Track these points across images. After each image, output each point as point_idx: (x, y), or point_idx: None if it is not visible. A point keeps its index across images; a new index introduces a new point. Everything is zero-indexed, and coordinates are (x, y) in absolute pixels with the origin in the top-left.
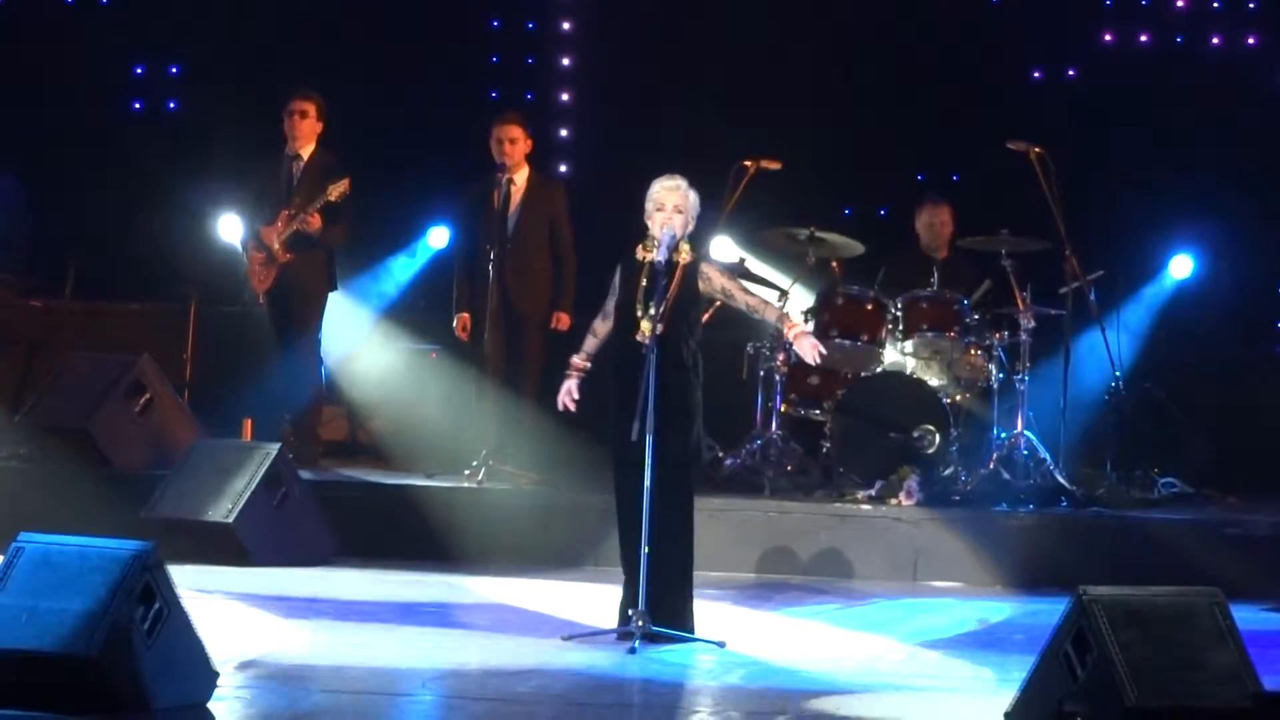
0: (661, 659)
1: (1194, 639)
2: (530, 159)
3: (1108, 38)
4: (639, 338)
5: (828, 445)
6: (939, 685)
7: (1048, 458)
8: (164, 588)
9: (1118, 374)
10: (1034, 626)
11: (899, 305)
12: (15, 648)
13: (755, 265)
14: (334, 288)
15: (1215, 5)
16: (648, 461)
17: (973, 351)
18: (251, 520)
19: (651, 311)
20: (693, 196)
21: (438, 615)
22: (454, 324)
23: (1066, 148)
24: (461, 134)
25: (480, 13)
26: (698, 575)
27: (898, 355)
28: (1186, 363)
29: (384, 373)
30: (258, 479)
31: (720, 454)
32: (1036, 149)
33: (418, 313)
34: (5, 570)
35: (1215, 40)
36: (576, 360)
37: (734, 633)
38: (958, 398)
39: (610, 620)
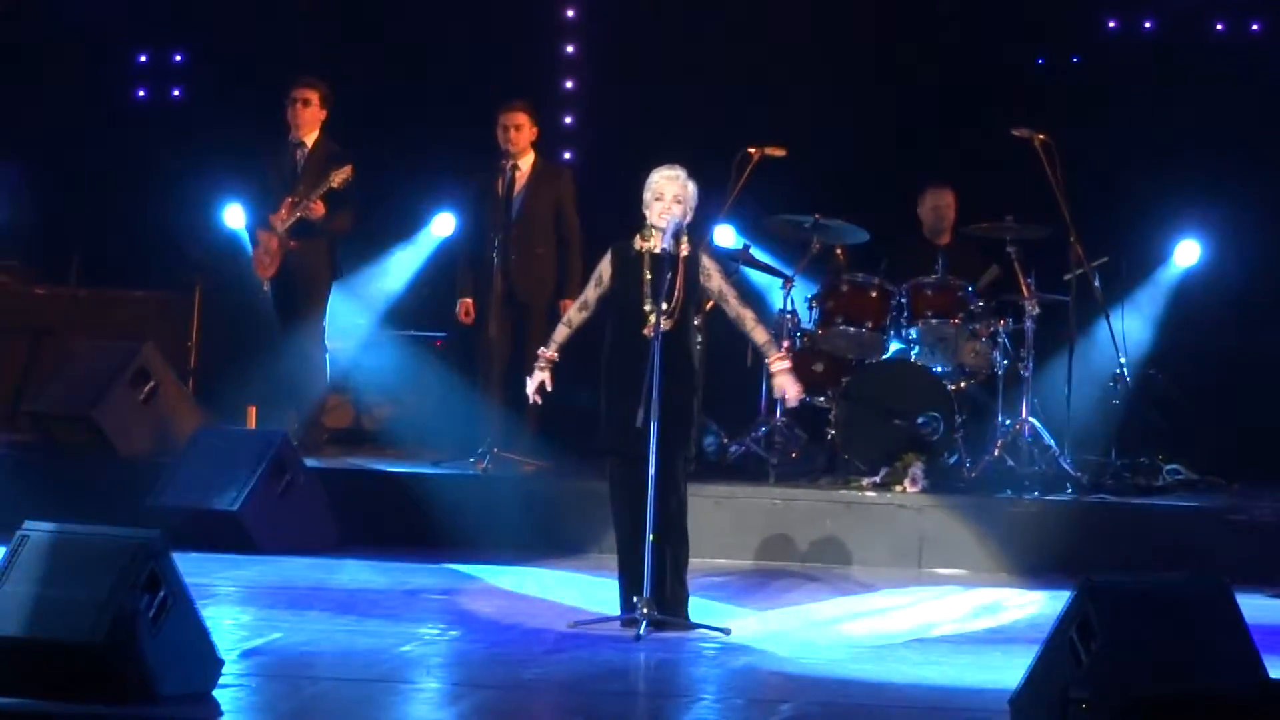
0: (666, 646)
1: (1198, 626)
2: (536, 146)
3: (1112, 24)
4: (648, 331)
5: (832, 432)
6: (944, 672)
7: (1052, 444)
8: (169, 576)
9: (1122, 360)
10: (1038, 613)
11: (903, 292)
12: (21, 635)
13: (759, 252)
14: (338, 275)
15: None
16: (652, 452)
17: (977, 338)
18: (256, 508)
19: (662, 305)
20: (691, 187)
21: (442, 603)
22: (457, 309)
23: (1071, 134)
24: (466, 121)
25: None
26: (704, 563)
27: (902, 342)
28: (1192, 349)
29: (389, 360)
30: (262, 467)
31: (725, 441)
32: (1041, 135)
33: (423, 300)
34: (10, 558)
35: (1219, 27)
36: (547, 352)
37: (738, 620)
38: (962, 384)
39: (615, 608)
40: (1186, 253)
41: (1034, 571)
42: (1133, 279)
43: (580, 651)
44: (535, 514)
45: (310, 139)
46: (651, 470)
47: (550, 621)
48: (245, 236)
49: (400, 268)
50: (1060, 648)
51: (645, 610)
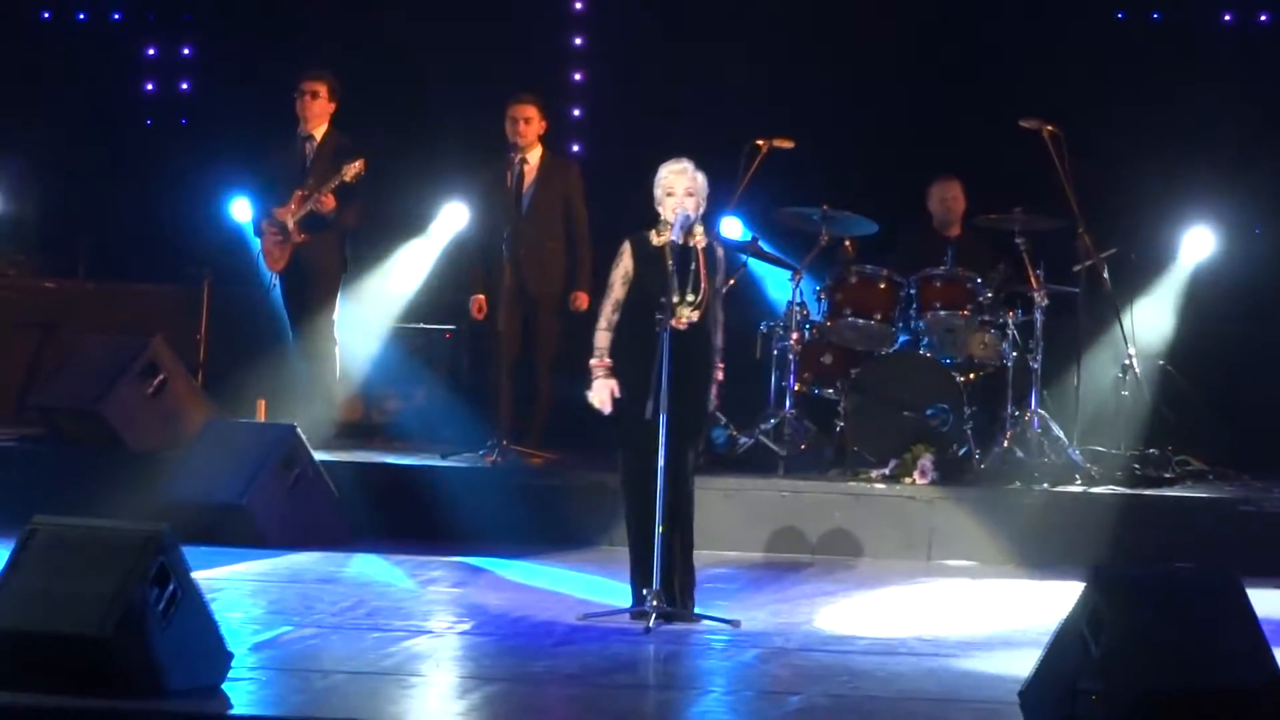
0: (675, 639)
1: (1208, 618)
2: (545, 139)
3: (1120, 15)
4: (677, 324)
5: (841, 424)
6: (953, 664)
7: (1061, 436)
8: (178, 570)
9: (1131, 352)
10: (1048, 606)
11: (912, 284)
12: (30, 629)
13: (768, 244)
14: (347, 268)
15: None
16: (662, 444)
17: (986, 330)
18: (265, 502)
19: (690, 298)
20: (701, 178)
21: (452, 596)
22: (470, 304)
23: (1080, 125)
24: (474, 114)
25: None
26: (713, 555)
27: (911, 334)
28: (1201, 340)
29: (398, 353)
30: (272, 460)
31: (734, 433)
32: (1049, 127)
33: (432, 293)
34: (19, 552)
35: (1227, 18)
36: (603, 361)
37: (748, 612)
38: (971, 376)
39: (625, 600)
40: (1197, 244)
41: (1043, 563)
42: (1142, 270)
43: (590, 644)
44: (544, 507)
45: (319, 132)
46: (660, 462)
47: (559, 614)
48: (254, 230)
49: (410, 261)
50: (1070, 640)
51: (654, 603)
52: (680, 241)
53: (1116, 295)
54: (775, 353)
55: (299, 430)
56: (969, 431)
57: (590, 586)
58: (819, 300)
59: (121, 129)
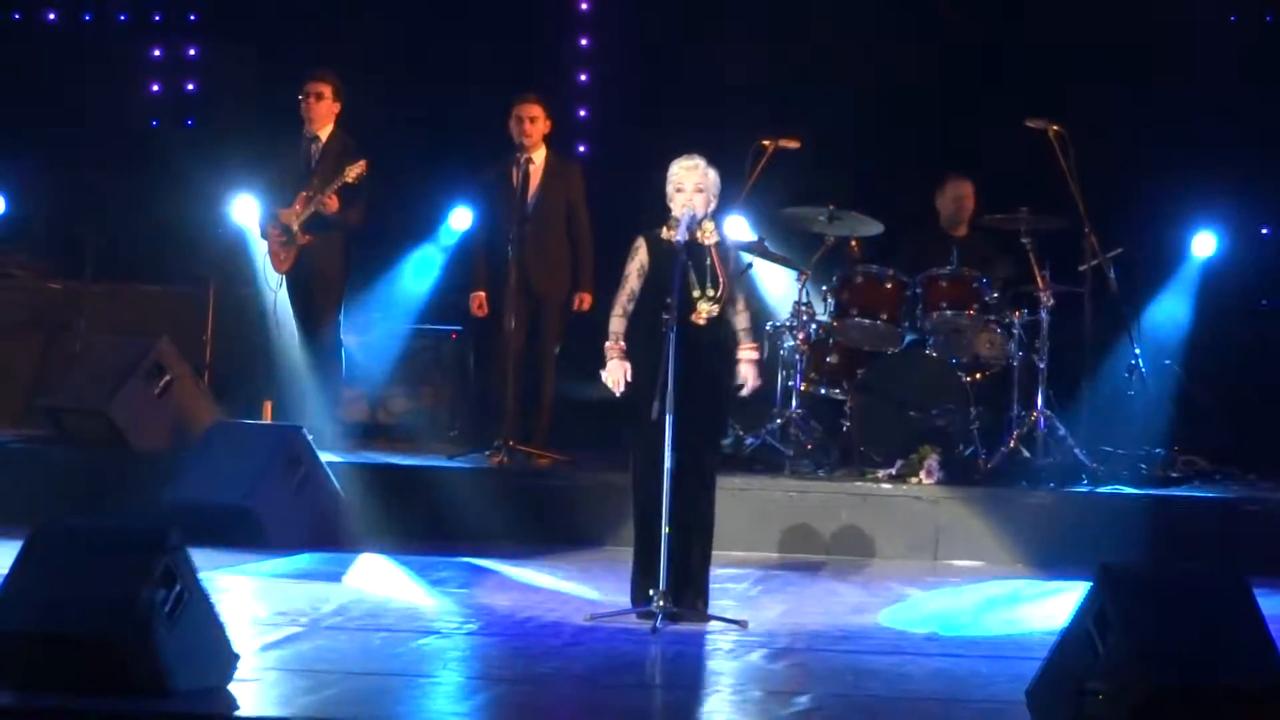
0: (683, 639)
1: (1215, 618)
2: (548, 140)
3: (1125, 10)
4: (697, 319)
5: (848, 424)
6: (960, 664)
7: (1068, 436)
8: (184, 570)
9: (1137, 352)
10: (1054, 605)
11: (918, 283)
12: (36, 630)
13: (774, 245)
14: (352, 269)
15: None
16: (668, 444)
17: (992, 330)
18: (271, 502)
19: (710, 292)
20: (713, 174)
21: (458, 596)
22: (470, 302)
23: (1087, 124)
24: (480, 114)
25: None
26: (720, 555)
27: (917, 334)
28: (1207, 340)
29: (404, 353)
30: (278, 461)
31: (740, 433)
32: (1055, 126)
33: (438, 293)
34: (25, 553)
35: (1232, 18)
36: (616, 344)
37: (754, 612)
38: (977, 376)
39: (629, 601)
40: (1204, 244)
41: (1049, 563)
42: (1148, 270)
43: (597, 644)
44: (551, 507)
45: (324, 133)
46: (667, 463)
47: (567, 615)
48: (255, 231)
49: (417, 262)
50: (1077, 639)
51: (661, 603)
52: (686, 240)
53: (1123, 295)
54: (782, 353)
55: (305, 431)
56: (975, 432)
57: (597, 587)
58: (825, 300)
59: (127, 130)
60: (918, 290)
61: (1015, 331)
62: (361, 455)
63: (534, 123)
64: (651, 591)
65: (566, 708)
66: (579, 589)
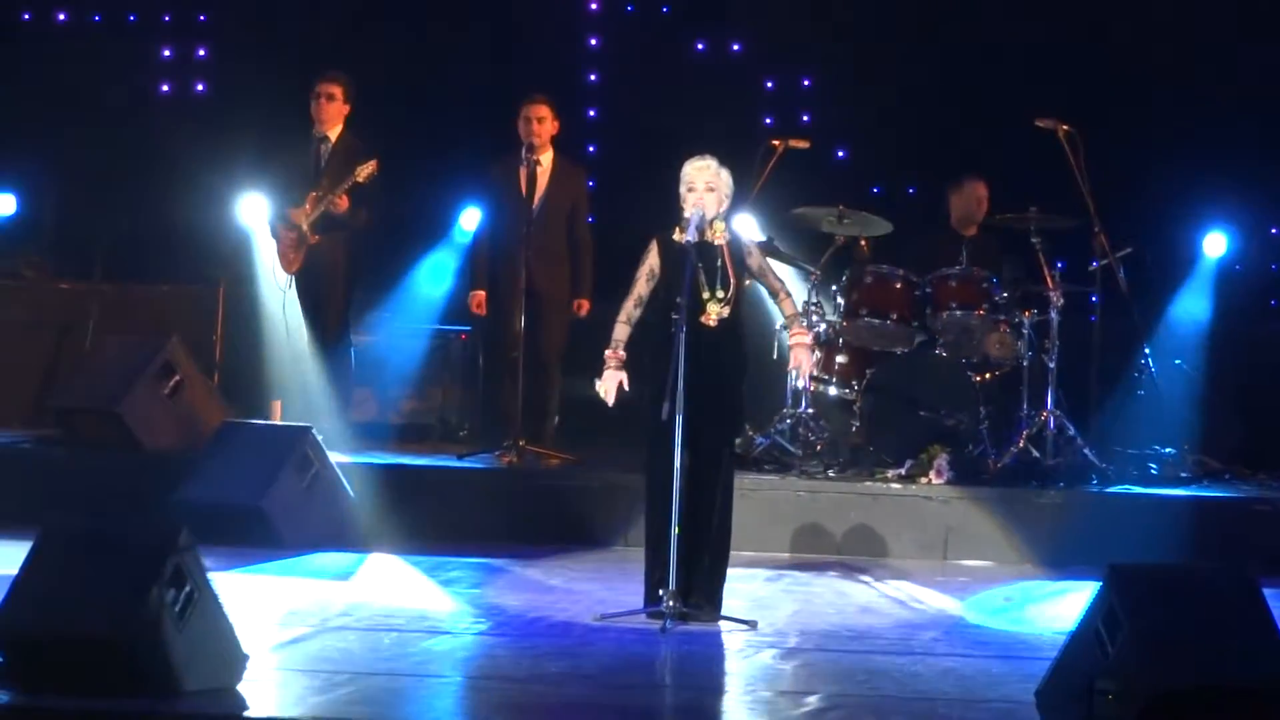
0: (693, 639)
1: (1224, 617)
2: (556, 141)
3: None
4: (707, 320)
5: (857, 424)
6: (970, 664)
7: (1077, 435)
8: (194, 571)
9: (1147, 351)
10: (1064, 605)
11: (927, 283)
12: (46, 630)
13: (783, 245)
14: (360, 269)
15: None
16: (677, 444)
17: (1002, 330)
18: (281, 503)
19: (720, 294)
20: (725, 174)
21: (468, 596)
22: (469, 300)
23: (1096, 124)
24: (489, 115)
25: None
26: (729, 554)
27: (927, 334)
28: (1217, 340)
29: (414, 353)
30: (288, 461)
31: (750, 434)
32: (1065, 126)
33: (449, 295)
34: (35, 553)
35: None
36: (616, 353)
37: (765, 612)
38: (987, 376)
39: (641, 601)
40: (1214, 244)
41: (1059, 563)
42: (1158, 269)
43: (607, 644)
44: (561, 507)
45: (333, 133)
46: (676, 462)
47: (577, 614)
48: (265, 232)
49: (432, 266)
50: (1086, 639)
51: (671, 603)
52: (697, 240)
53: (1132, 295)
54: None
55: (315, 431)
56: (985, 431)
57: (607, 587)
58: (834, 300)
59: (137, 130)
60: (927, 290)
61: (1025, 331)
62: (371, 455)
63: (541, 123)
64: (661, 591)
65: (577, 708)
66: (589, 589)
